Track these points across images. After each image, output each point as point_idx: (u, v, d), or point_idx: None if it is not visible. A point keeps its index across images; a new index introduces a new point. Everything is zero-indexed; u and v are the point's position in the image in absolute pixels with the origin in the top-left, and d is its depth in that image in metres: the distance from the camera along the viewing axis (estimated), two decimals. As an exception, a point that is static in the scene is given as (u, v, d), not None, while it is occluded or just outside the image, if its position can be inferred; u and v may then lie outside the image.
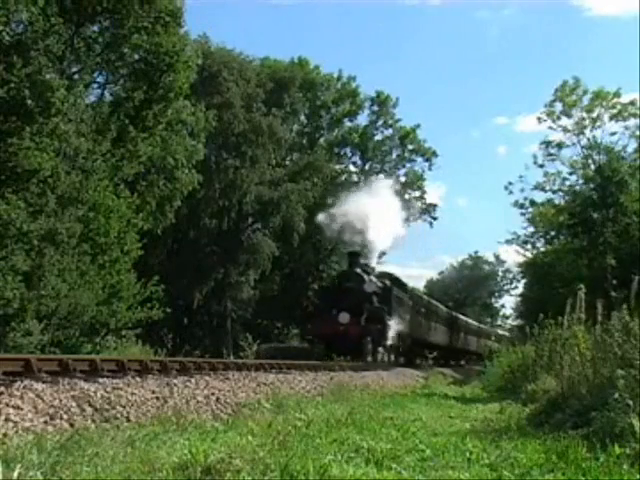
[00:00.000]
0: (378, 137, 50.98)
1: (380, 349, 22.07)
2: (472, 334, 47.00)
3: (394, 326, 23.22)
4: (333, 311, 21.10)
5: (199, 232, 32.09)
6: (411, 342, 27.37)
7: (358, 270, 22.42)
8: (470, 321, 49.79)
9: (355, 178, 51.79)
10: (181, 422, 5.89)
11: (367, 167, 51.97)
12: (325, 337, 20.59)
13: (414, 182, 52.45)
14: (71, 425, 5.24)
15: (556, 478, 4.18)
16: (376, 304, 22.00)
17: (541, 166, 37.67)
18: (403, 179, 53.00)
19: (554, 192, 37.60)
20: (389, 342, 22.71)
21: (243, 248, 32.09)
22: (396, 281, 26.78)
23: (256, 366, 11.86)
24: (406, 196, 52.78)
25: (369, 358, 20.84)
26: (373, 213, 24.93)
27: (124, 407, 6.09)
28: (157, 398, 6.75)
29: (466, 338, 44.54)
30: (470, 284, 73.10)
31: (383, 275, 25.67)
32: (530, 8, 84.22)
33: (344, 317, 20.59)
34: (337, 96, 47.51)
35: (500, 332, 57.52)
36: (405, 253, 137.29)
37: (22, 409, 5.06)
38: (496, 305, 77.74)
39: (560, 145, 37.06)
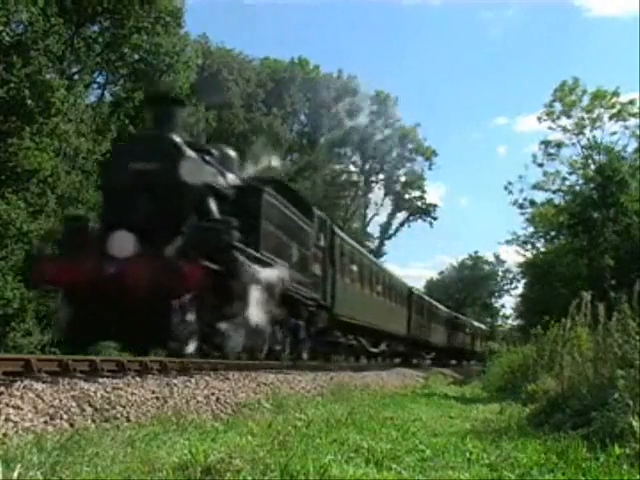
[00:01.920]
0: (378, 137, 51.10)
1: (224, 326, 9.86)
2: (439, 323, 37.73)
3: (273, 277, 11.06)
4: (91, 227, 10.01)
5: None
6: (330, 322, 16.07)
7: (174, 137, 10.11)
8: (435, 303, 38.71)
9: (355, 178, 51.99)
10: (181, 422, 5.89)
11: (367, 167, 52.10)
12: (75, 289, 9.03)
13: (414, 182, 52.56)
14: (71, 425, 5.24)
15: (556, 478, 4.18)
16: (215, 215, 10.29)
17: (540, 165, 37.78)
18: (403, 179, 53.20)
19: (554, 192, 37.68)
20: (253, 312, 10.29)
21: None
22: (287, 191, 13.68)
23: (256, 366, 11.87)
24: (406, 196, 53.06)
25: (189, 349, 9.26)
26: None
27: (124, 407, 6.09)
28: (157, 398, 6.75)
29: (431, 327, 34.69)
30: (470, 284, 73.12)
31: (256, 179, 12.87)
32: (530, 8, 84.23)
33: (120, 242, 9.06)
34: (337, 95, 47.58)
35: (476, 324, 53.55)
36: (405, 253, 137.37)
37: (22, 409, 5.06)
38: (496, 305, 77.86)
39: (560, 145, 37.16)
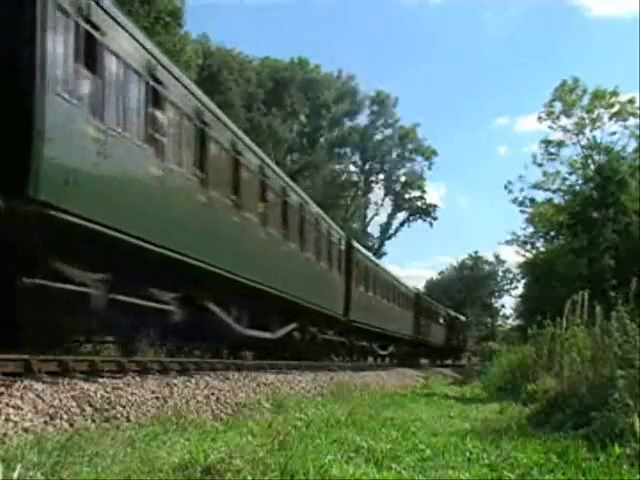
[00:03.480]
0: (378, 137, 51.16)
1: None
2: (403, 307, 28.63)
3: None
4: None
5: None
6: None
7: None
8: (396, 277, 28.60)
9: (355, 178, 52.04)
10: (181, 422, 5.89)
11: (367, 167, 52.13)
12: None
13: (414, 182, 52.59)
14: (71, 425, 5.24)
15: (556, 478, 4.18)
16: None
17: (540, 165, 37.73)
18: (403, 179, 53.23)
19: (554, 192, 37.65)
20: None
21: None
22: None
23: (256, 366, 11.87)
24: (406, 196, 53.10)
25: None
26: None
27: (124, 407, 6.09)
28: (157, 398, 6.75)
29: (390, 313, 25.43)
30: (470, 284, 73.15)
31: None
32: (530, 8, 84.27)
33: None
34: (337, 95, 47.60)
35: (453, 314, 48.11)
36: (405, 253, 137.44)
37: (22, 409, 5.06)
38: (496, 305, 77.89)
39: (560, 144, 37.11)
